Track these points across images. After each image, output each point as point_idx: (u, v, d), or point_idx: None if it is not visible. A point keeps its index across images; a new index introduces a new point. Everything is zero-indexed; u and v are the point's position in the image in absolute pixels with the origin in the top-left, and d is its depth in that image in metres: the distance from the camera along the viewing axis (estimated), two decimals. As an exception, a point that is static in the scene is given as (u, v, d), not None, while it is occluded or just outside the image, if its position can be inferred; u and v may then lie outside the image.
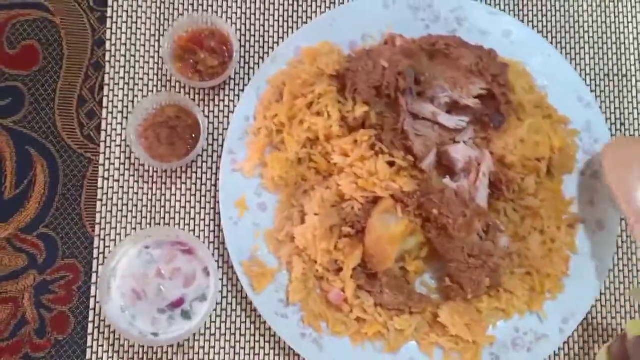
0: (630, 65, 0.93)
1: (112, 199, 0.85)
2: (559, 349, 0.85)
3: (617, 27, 0.94)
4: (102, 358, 0.82)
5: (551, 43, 0.92)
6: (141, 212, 0.85)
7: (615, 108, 0.92)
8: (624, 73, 0.93)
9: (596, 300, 0.87)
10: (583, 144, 0.86)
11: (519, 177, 0.81)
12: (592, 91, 0.92)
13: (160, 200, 0.86)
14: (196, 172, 0.87)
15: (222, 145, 0.86)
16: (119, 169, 0.86)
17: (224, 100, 0.89)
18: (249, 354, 0.83)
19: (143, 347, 0.82)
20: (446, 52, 0.81)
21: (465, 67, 0.80)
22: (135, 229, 0.85)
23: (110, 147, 0.86)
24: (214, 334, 0.83)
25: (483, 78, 0.80)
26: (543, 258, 0.82)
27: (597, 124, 0.86)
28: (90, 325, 0.83)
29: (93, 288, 0.83)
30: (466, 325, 0.78)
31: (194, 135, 0.84)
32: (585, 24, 0.94)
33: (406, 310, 0.81)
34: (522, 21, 0.92)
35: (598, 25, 0.94)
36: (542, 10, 0.93)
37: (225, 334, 0.83)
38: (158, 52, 0.89)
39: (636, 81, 0.93)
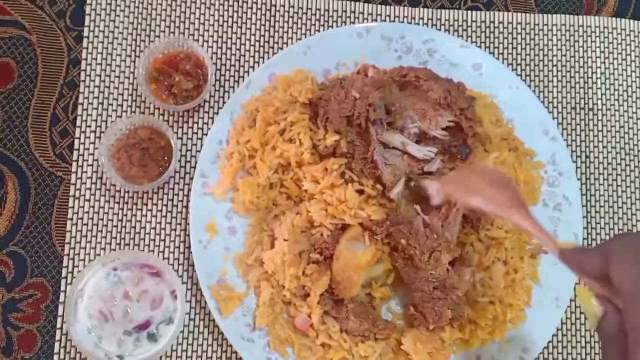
0: (597, 99, 0.96)
1: (82, 218, 0.86)
2: (520, 377, 0.87)
3: (585, 61, 0.97)
4: (67, 378, 0.82)
5: (520, 76, 0.94)
6: (111, 232, 0.86)
7: (580, 141, 0.94)
8: (590, 107, 0.95)
9: (557, 330, 0.89)
10: (547, 176, 0.88)
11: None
12: (558, 123, 0.94)
13: (130, 221, 0.86)
14: (167, 194, 0.87)
15: (194, 168, 0.86)
16: (90, 189, 0.86)
17: (197, 123, 0.90)
18: (215, 377, 0.84)
19: (108, 368, 0.82)
20: (416, 84, 0.83)
21: (434, 100, 0.82)
22: (105, 249, 0.85)
23: (82, 166, 0.87)
24: (180, 356, 0.84)
25: (451, 111, 0.82)
26: (506, 288, 0.83)
27: (562, 157, 0.89)
28: (57, 345, 0.83)
29: (61, 307, 0.83)
30: (428, 354, 0.80)
31: (166, 158, 0.85)
32: (554, 58, 0.96)
33: (371, 337, 0.82)
34: (492, 53, 0.95)
35: (567, 59, 0.96)
36: (512, 43, 0.96)
37: (191, 357, 0.84)
38: (133, 73, 0.89)
39: (602, 115, 0.95)
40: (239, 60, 0.92)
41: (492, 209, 0.68)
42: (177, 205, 0.87)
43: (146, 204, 0.87)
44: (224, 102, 0.90)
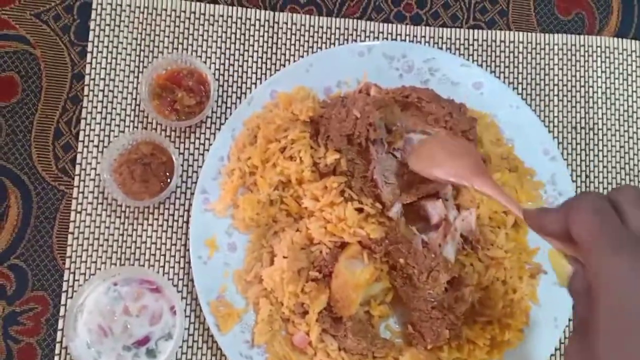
0: (598, 118, 0.96)
1: (83, 232, 0.86)
2: (517, 396, 0.87)
3: (586, 81, 0.97)
4: (66, 392, 0.83)
5: (521, 95, 0.95)
6: (112, 247, 0.86)
7: (581, 160, 0.95)
8: (591, 126, 0.96)
9: (555, 350, 0.89)
10: (547, 197, 0.88)
11: (493, 235, 0.83)
12: (559, 143, 0.94)
13: (131, 236, 0.87)
14: (168, 209, 0.88)
15: (195, 184, 0.87)
16: (92, 203, 0.87)
17: (199, 138, 0.90)
18: (213, 392, 0.85)
19: (107, 383, 0.82)
20: (418, 105, 0.83)
21: (436, 122, 0.82)
22: (105, 263, 0.86)
23: (84, 180, 0.87)
24: (179, 372, 0.84)
25: (453, 133, 0.82)
26: (504, 308, 0.83)
27: (562, 177, 0.89)
28: (57, 358, 0.83)
29: (61, 321, 0.84)
30: (426, 373, 0.80)
31: (167, 173, 0.85)
32: (556, 77, 0.96)
33: (369, 355, 0.82)
34: (494, 72, 0.95)
35: (568, 79, 0.97)
36: (513, 62, 0.96)
37: (190, 372, 0.84)
38: (136, 88, 0.90)
39: (602, 135, 0.96)
40: (242, 77, 0.92)
41: (454, 178, 0.72)
42: (177, 221, 0.88)
43: (147, 219, 0.87)
44: (225, 119, 0.90)
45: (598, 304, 0.46)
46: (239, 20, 0.93)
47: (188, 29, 0.92)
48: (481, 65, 0.95)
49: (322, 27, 0.94)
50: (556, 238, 0.52)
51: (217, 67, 0.92)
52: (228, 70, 0.92)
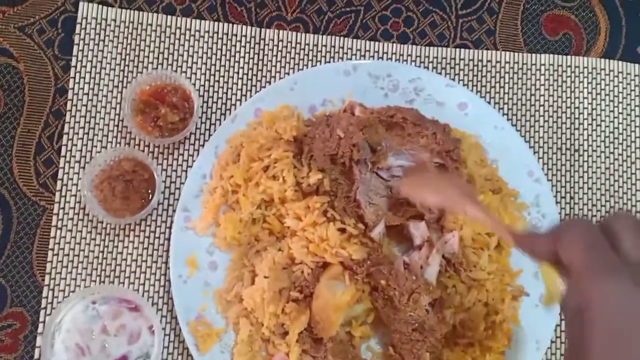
0: (583, 140, 0.96)
1: (64, 249, 0.85)
2: (498, 420, 0.86)
3: (572, 102, 0.97)
4: (42, 411, 0.82)
5: (506, 115, 0.94)
6: (92, 263, 0.86)
7: (566, 182, 0.94)
8: (576, 148, 0.95)
9: (537, 372, 0.88)
10: (531, 218, 0.88)
11: (476, 257, 0.83)
12: (544, 164, 0.94)
13: (112, 253, 0.86)
14: (150, 226, 0.87)
15: (177, 200, 0.86)
16: (72, 219, 0.86)
17: (182, 155, 0.89)
18: (192, 412, 0.84)
19: (84, 403, 0.81)
20: (403, 126, 0.83)
21: (420, 142, 0.82)
22: (85, 280, 0.85)
23: (65, 196, 0.86)
24: (157, 392, 0.83)
25: (437, 153, 0.82)
26: (486, 330, 0.83)
27: (546, 200, 0.88)
28: (34, 376, 0.82)
29: (39, 338, 0.83)
30: (406, 396, 0.79)
31: (149, 190, 0.85)
32: (542, 98, 0.96)
33: (349, 376, 0.82)
34: (480, 92, 0.95)
35: (554, 99, 0.96)
36: (499, 82, 0.96)
37: (168, 392, 0.83)
38: (120, 104, 0.89)
39: (587, 156, 0.95)
40: (226, 94, 0.92)
41: (447, 203, 0.73)
42: (158, 238, 0.87)
43: (128, 236, 0.87)
44: (209, 135, 0.90)
45: (591, 326, 0.47)
46: (224, 37, 0.93)
47: (173, 44, 0.92)
48: (467, 85, 0.94)
49: (308, 45, 0.94)
50: (547, 260, 0.53)
51: (202, 83, 0.92)
52: (213, 86, 0.92)
